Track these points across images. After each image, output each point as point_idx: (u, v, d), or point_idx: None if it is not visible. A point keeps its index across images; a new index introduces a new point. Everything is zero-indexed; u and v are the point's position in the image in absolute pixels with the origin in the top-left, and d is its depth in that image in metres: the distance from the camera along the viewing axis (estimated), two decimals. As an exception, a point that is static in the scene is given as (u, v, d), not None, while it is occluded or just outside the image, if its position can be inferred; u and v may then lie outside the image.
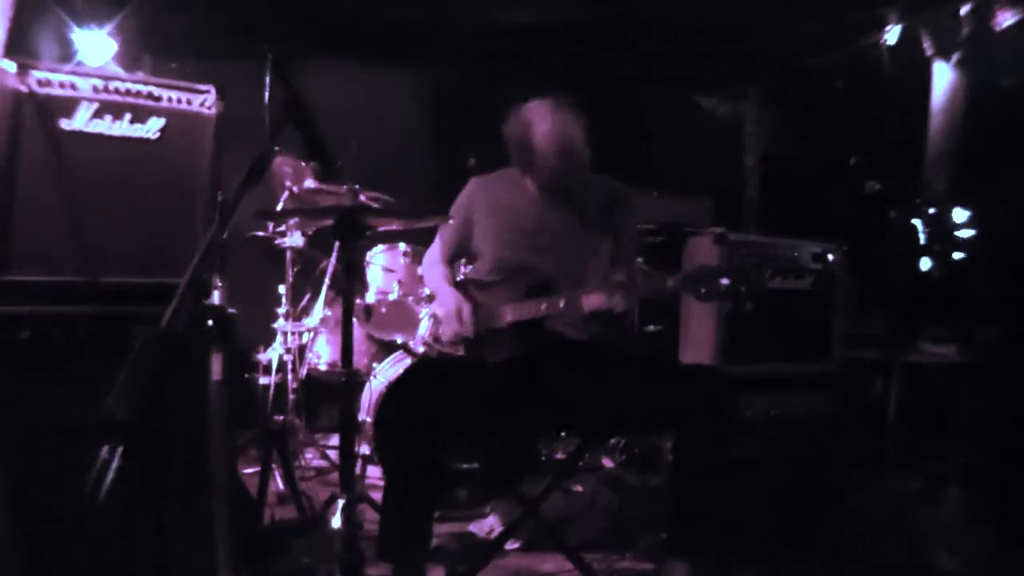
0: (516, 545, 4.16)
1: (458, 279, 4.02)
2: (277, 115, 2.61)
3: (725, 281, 3.17)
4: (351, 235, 3.13)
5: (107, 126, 3.03)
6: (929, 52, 6.73)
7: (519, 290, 3.62)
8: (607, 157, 3.83)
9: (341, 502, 3.10)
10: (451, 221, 3.89)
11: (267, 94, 2.70)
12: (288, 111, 2.63)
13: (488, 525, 4.40)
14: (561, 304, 3.43)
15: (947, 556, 4.07)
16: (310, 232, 5.22)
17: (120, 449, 1.68)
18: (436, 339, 3.82)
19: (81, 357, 2.85)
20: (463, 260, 4.28)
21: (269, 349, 5.42)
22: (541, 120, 3.62)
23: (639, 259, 4.64)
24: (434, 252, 4.08)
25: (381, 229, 3.90)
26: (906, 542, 4.33)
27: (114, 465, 1.67)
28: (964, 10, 6.32)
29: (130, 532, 2.86)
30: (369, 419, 4.98)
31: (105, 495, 1.65)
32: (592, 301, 3.36)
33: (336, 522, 3.17)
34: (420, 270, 4.19)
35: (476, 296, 3.74)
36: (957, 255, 6.41)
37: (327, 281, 5.52)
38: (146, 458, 1.78)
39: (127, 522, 2.83)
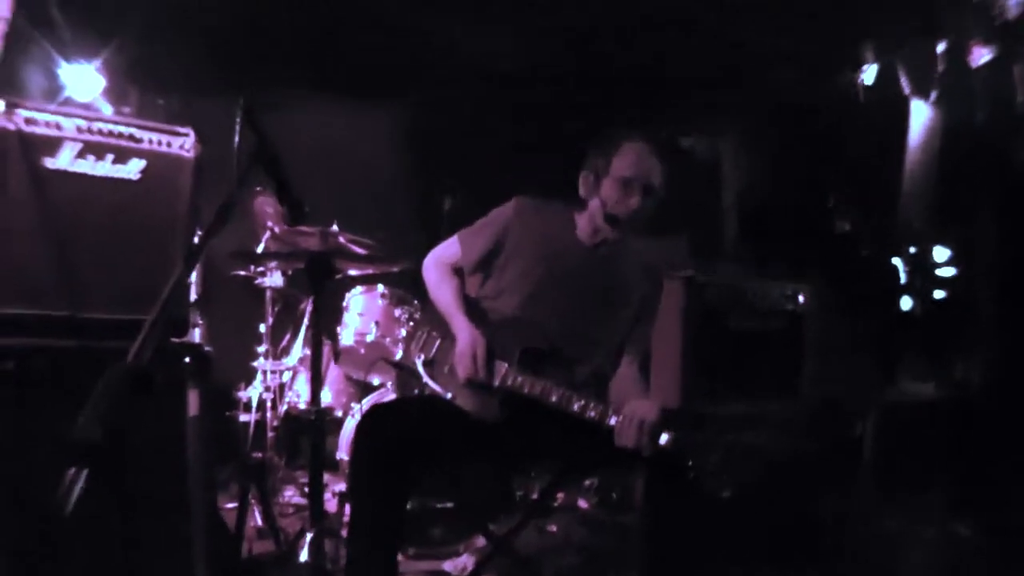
0: (489, 582, 4.21)
1: (470, 295, 3.73)
2: (245, 160, 2.66)
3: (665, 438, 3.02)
4: (321, 277, 3.21)
5: (90, 166, 3.08)
6: (907, 91, 6.74)
7: (515, 342, 3.43)
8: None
9: (309, 535, 3.16)
10: (478, 229, 3.69)
11: (236, 139, 2.73)
12: (256, 156, 2.68)
13: (462, 563, 4.40)
14: (575, 407, 3.21)
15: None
16: (290, 272, 5.29)
17: (85, 469, 1.78)
18: (427, 362, 3.55)
19: (63, 389, 2.89)
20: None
21: (249, 387, 5.49)
22: (631, 159, 3.45)
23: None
24: (446, 256, 3.78)
25: (357, 274, 3.86)
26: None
27: (80, 483, 1.76)
28: (940, 48, 6.35)
29: (107, 567, 2.92)
30: (346, 457, 5.04)
31: (71, 509, 1.74)
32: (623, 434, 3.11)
33: (304, 555, 3.21)
34: (426, 270, 3.79)
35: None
36: (938, 293, 6.46)
37: (306, 321, 5.59)
38: (113, 484, 1.86)
39: (103, 557, 2.89)
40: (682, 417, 3.67)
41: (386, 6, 5.75)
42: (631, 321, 3.63)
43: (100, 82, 5.75)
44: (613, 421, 3.11)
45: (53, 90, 5.53)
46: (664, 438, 3.01)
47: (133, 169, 3.15)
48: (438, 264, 3.77)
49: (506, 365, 3.38)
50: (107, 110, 5.67)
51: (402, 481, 3.20)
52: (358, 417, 4.81)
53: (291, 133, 6.04)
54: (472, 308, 3.61)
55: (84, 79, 5.67)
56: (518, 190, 3.76)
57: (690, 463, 2.91)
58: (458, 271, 3.76)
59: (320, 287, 3.26)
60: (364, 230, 5.28)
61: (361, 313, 5.33)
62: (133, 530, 2.94)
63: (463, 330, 3.46)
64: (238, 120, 2.67)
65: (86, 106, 5.50)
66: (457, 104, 7.44)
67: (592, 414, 3.16)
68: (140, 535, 2.97)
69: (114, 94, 5.90)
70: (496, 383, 3.37)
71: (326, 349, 5.48)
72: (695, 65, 6.86)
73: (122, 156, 3.14)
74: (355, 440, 3.28)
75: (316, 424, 3.29)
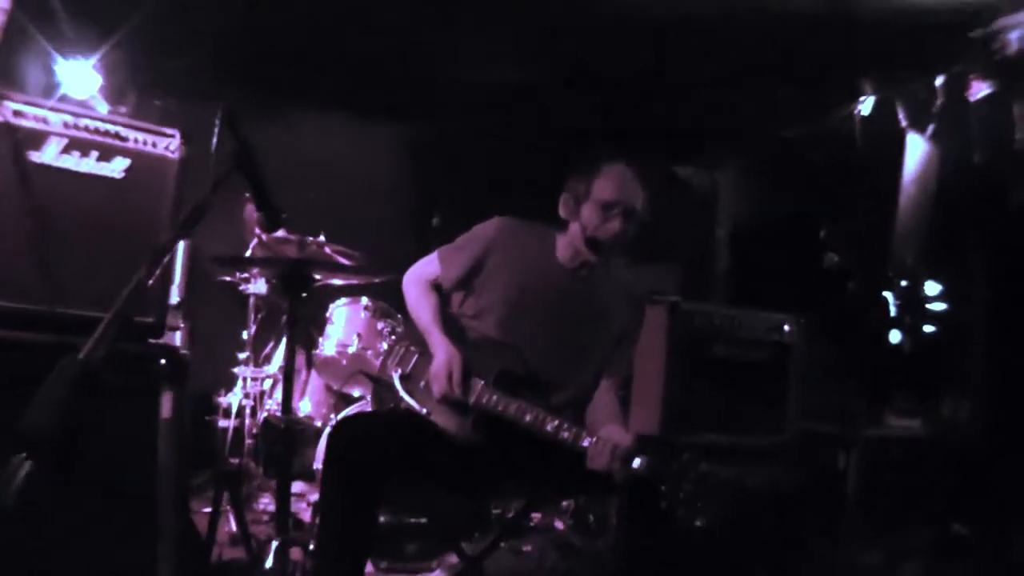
0: (460, 601, 4.19)
1: (451, 311, 3.70)
2: (222, 165, 2.63)
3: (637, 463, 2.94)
4: (296, 285, 3.19)
5: (74, 162, 3.09)
6: (904, 124, 6.66)
7: (493, 363, 3.39)
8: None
9: (275, 543, 3.14)
10: (458, 246, 3.66)
11: (214, 144, 2.70)
12: (235, 161, 2.65)
13: (434, 580, 4.41)
14: (548, 428, 3.16)
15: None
16: (273, 280, 5.27)
17: (29, 461, 1.77)
18: (404, 377, 3.52)
19: (38, 384, 2.86)
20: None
21: (230, 393, 5.47)
22: (612, 183, 3.42)
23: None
24: (426, 273, 3.75)
25: (340, 283, 3.82)
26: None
27: (21, 473, 1.76)
28: (938, 81, 6.32)
29: (71, 567, 2.90)
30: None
31: (12, 501, 1.74)
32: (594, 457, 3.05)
33: (270, 562, 3.19)
34: (406, 286, 3.76)
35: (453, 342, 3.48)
36: (928, 328, 6.44)
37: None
38: (69, 478, 1.87)
39: (66, 556, 2.87)
40: (658, 444, 3.63)
41: (386, 19, 5.74)
42: (610, 346, 3.59)
43: (97, 80, 5.71)
44: (587, 443, 3.07)
45: (50, 86, 5.50)
46: (637, 463, 2.95)
47: (117, 167, 3.16)
48: (418, 280, 3.74)
49: (481, 383, 3.35)
50: (104, 109, 5.64)
51: (371, 493, 3.17)
52: (334, 428, 4.80)
53: (288, 142, 6.08)
54: (452, 325, 3.59)
55: (81, 76, 5.63)
56: (509, 206, 3.73)
57: (663, 490, 2.87)
58: (438, 287, 3.73)
59: (295, 295, 3.24)
60: (356, 241, 5.27)
61: (344, 325, 5.32)
62: (98, 529, 2.92)
63: (440, 347, 3.44)
64: (216, 123, 2.64)
65: (82, 104, 5.47)
66: (453, 118, 7.43)
67: (565, 435, 3.12)
68: (105, 535, 2.95)
69: (112, 93, 5.87)
70: (471, 401, 3.34)
71: (300, 358, 5.49)
72: (691, 94, 6.85)
73: (107, 154, 3.15)
74: (326, 450, 3.26)
75: (286, 432, 3.26)
